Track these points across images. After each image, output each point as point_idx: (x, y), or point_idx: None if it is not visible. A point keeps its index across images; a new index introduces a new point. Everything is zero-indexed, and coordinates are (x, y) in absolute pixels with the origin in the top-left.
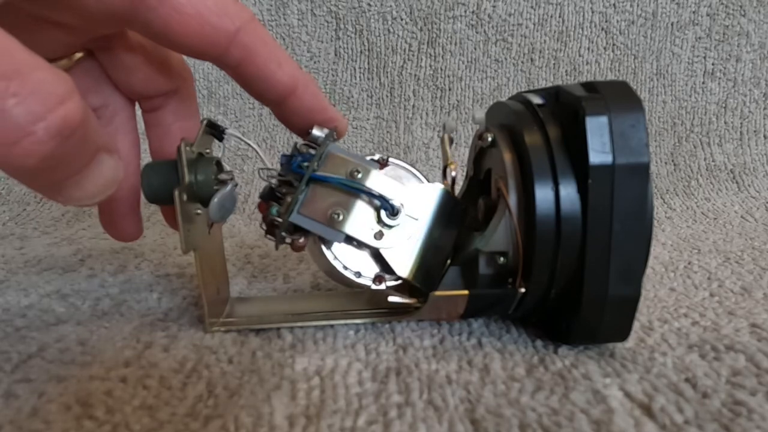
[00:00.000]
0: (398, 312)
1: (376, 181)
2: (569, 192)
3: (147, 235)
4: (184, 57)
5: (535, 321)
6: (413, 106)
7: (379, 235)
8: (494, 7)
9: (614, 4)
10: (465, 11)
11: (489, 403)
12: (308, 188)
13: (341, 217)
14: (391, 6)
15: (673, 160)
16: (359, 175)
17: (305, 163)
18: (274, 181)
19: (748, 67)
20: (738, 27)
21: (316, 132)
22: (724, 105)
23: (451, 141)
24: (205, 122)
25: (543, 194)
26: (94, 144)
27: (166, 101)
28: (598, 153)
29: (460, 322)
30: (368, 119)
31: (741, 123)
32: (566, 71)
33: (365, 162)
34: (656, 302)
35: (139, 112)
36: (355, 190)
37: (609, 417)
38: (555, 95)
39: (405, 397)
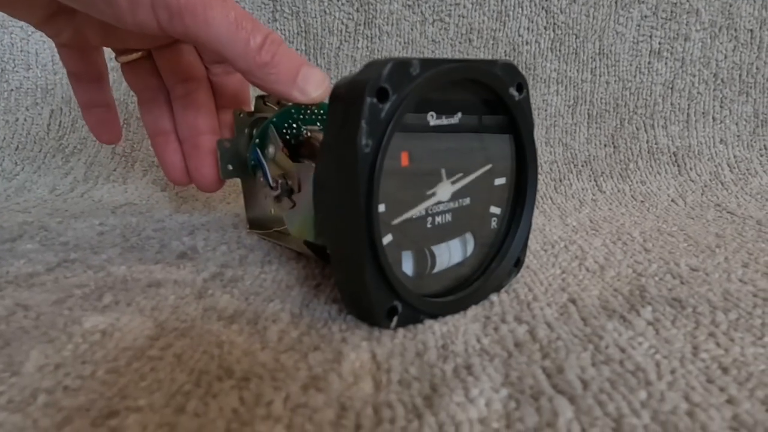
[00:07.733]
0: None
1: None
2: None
3: None
4: None
5: None
6: None
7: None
8: None
9: None
10: None
11: (229, 359)
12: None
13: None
14: None
15: (613, 143)
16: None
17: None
18: None
19: (697, 47)
20: (687, 4)
21: None
22: (670, 86)
23: None
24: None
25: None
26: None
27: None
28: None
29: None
30: None
31: (689, 104)
32: (505, 51)
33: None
34: None
35: None
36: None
37: (326, 373)
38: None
39: (161, 353)
